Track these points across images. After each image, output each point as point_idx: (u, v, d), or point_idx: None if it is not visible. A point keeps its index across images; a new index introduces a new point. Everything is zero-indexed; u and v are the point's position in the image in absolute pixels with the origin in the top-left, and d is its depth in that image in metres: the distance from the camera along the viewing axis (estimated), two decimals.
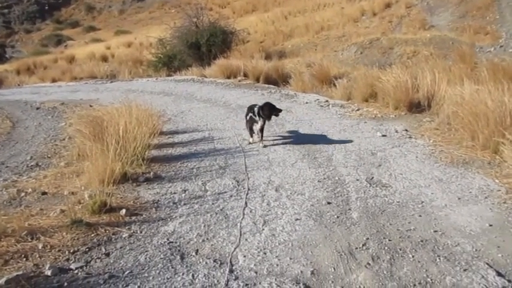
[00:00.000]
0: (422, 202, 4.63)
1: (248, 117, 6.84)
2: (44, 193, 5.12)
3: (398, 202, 4.66)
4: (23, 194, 5.14)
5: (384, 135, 7.09)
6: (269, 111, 6.58)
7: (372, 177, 5.36)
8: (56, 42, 49.93)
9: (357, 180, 5.31)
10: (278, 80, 13.10)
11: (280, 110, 6.78)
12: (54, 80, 20.21)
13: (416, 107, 8.45)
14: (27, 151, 7.69)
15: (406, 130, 7.32)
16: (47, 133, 9.08)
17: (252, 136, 6.91)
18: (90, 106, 10.81)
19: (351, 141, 6.90)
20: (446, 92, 7.81)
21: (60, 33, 55.31)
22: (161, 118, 8.10)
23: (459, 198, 4.67)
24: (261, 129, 6.72)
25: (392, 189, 4.98)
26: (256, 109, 6.62)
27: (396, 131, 7.28)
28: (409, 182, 5.17)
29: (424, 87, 8.53)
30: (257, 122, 6.62)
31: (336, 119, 8.45)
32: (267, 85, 12.81)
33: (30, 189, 5.25)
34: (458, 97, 6.99)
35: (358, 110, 9.04)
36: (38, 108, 12.11)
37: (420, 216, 4.33)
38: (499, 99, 6.09)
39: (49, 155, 7.11)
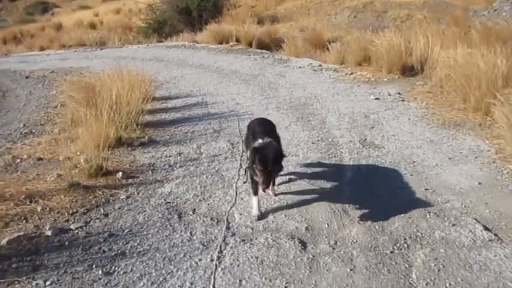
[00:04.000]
0: (414, 162, 4.72)
1: (248, 153, 3.81)
2: (40, 159, 5.14)
3: (390, 162, 4.75)
4: (18, 160, 5.15)
5: (377, 99, 7.12)
6: (265, 162, 3.43)
7: (365, 139, 5.42)
8: (41, 10, 48.46)
9: (350, 141, 5.37)
10: (271, 44, 12.95)
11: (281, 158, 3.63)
12: (42, 49, 19.77)
13: (409, 71, 8.45)
14: (19, 119, 7.63)
15: (399, 93, 7.35)
16: (39, 101, 8.98)
17: (254, 193, 3.80)
18: (81, 74, 10.66)
19: (344, 104, 6.93)
20: (440, 55, 7.79)
21: (45, 1, 53.66)
22: (153, 84, 8.03)
23: (450, 158, 4.76)
24: (267, 183, 3.49)
25: (384, 150, 5.06)
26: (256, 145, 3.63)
27: (389, 94, 7.31)
28: (401, 143, 5.25)
29: (417, 50, 8.50)
30: (257, 175, 3.53)
31: (330, 83, 8.45)
32: (259, 50, 12.68)
33: (25, 156, 5.26)
34: (451, 60, 6.99)
35: (351, 74, 9.02)
36: (27, 77, 11.91)
37: (412, 175, 4.43)
38: (491, 61, 6.10)
39: (42, 122, 7.07)
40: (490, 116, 5.67)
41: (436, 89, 7.14)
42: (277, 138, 4.03)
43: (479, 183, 4.16)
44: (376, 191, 4.14)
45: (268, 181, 3.50)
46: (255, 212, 3.75)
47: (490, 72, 5.89)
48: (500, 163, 4.50)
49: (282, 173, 3.82)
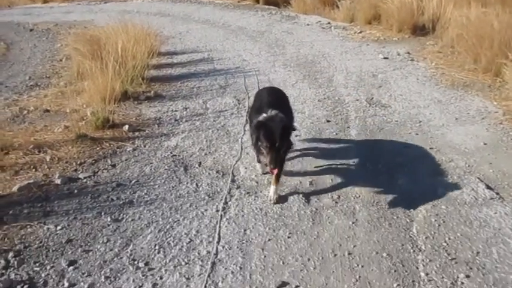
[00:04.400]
0: (420, 122, 4.70)
1: (252, 128, 3.39)
2: (47, 111, 5.16)
3: (396, 121, 4.74)
4: (25, 111, 5.18)
5: (385, 58, 7.01)
6: (272, 137, 3.05)
7: (372, 98, 5.39)
8: None
9: (357, 100, 5.34)
10: (279, 1, 12.59)
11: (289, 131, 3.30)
12: (45, 1, 19.29)
13: (420, 30, 8.25)
14: (25, 72, 7.59)
15: (409, 53, 7.22)
16: (43, 54, 8.90)
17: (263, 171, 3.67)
18: (85, 27, 10.49)
19: (352, 63, 6.83)
20: (452, 14, 7.57)
21: None
22: (159, 38, 7.91)
23: (456, 119, 4.74)
24: (275, 163, 3.08)
25: (391, 109, 5.03)
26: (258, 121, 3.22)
27: (398, 54, 7.18)
28: (409, 102, 5.22)
29: (429, 9, 8.25)
30: (263, 153, 3.20)
31: (338, 41, 8.29)
32: (267, 6, 12.35)
33: (32, 108, 5.28)
34: (464, 19, 6.82)
35: (360, 32, 8.83)
36: (31, 30, 11.74)
37: (417, 134, 4.43)
38: (506, 21, 5.95)
39: (47, 75, 7.04)
40: (500, 77, 5.60)
41: (446, 49, 7.01)
42: (288, 112, 3.56)
43: (485, 144, 4.16)
44: (380, 149, 4.16)
45: (276, 160, 3.04)
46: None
47: (503, 31, 5.75)
48: (507, 124, 4.48)
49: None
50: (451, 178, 3.61)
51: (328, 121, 4.78)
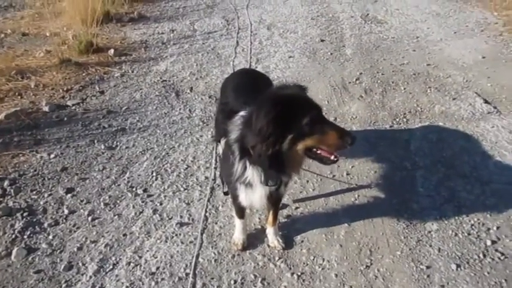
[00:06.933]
0: (418, 37, 4.54)
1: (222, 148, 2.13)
2: (25, 34, 4.86)
3: (393, 38, 4.57)
4: (2, 35, 4.87)
5: None
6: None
7: (367, 14, 5.15)
8: None
9: (352, 17, 5.11)
10: None
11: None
12: None
13: None
14: None
15: None
16: None
17: (238, 216, 2.17)
18: None
19: None
20: None
21: None
22: None
23: (455, 32, 4.58)
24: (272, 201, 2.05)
25: (387, 25, 4.84)
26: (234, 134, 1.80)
27: None
28: (406, 17, 5.01)
29: None
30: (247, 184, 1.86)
31: None
32: None
33: (9, 31, 4.96)
34: None
35: None
36: None
37: (414, 50, 4.29)
38: None
39: None
40: None
41: None
42: None
43: (483, 57, 4.06)
44: (376, 67, 4.04)
45: (276, 202, 2.10)
46: (237, 237, 2.18)
47: None
48: (508, 35, 4.35)
49: (279, 50, 3.57)
50: (449, 94, 3.55)
51: (322, 40, 4.60)
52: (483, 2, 5.19)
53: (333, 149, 1.69)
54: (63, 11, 5.11)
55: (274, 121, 1.56)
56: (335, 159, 1.72)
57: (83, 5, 4.68)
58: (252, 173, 1.77)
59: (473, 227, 2.25)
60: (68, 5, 4.94)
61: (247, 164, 1.76)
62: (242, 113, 1.78)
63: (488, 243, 2.13)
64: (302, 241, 2.21)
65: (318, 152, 1.70)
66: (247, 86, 2.27)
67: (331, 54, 4.33)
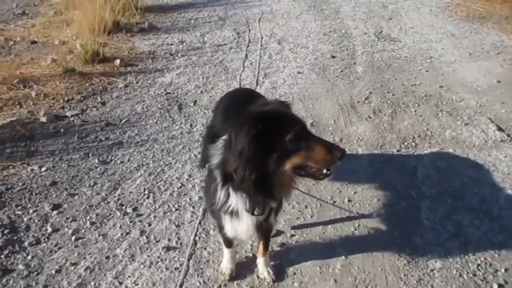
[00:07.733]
0: (431, 57, 4.40)
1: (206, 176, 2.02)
2: (34, 42, 4.85)
3: (406, 57, 4.43)
4: (11, 42, 4.87)
5: None
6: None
7: (381, 31, 5.02)
8: None
9: (365, 33, 4.99)
10: None
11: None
12: None
13: None
14: None
15: None
16: None
17: (226, 245, 2.04)
18: None
19: None
20: None
21: None
22: None
23: (470, 54, 4.42)
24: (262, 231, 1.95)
25: (401, 44, 4.70)
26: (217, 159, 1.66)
27: None
28: (420, 36, 4.87)
29: None
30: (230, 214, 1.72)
31: None
32: None
33: (18, 38, 4.96)
34: None
35: None
36: None
37: (427, 71, 4.15)
38: None
39: (36, 3, 6.59)
40: None
41: None
42: None
43: (498, 81, 3.90)
44: (387, 86, 3.90)
45: (266, 233, 1.98)
46: (225, 266, 2.06)
47: None
48: None
49: (289, 65, 3.46)
50: (461, 119, 3.39)
51: (333, 57, 4.48)
52: (500, 24, 5.03)
53: (323, 165, 1.54)
54: (74, 20, 5.10)
55: (255, 141, 1.43)
56: (328, 172, 1.57)
57: (92, 14, 4.66)
58: (236, 201, 1.61)
59: (479, 267, 2.08)
60: (79, 14, 4.92)
61: (230, 190, 1.60)
62: (225, 136, 1.62)
63: (495, 287, 1.97)
64: (294, 273, 2.08)
65: (308, 168, 1.55)
66: (238, 108, 2.02)
67: (341, 71, 4.21)
